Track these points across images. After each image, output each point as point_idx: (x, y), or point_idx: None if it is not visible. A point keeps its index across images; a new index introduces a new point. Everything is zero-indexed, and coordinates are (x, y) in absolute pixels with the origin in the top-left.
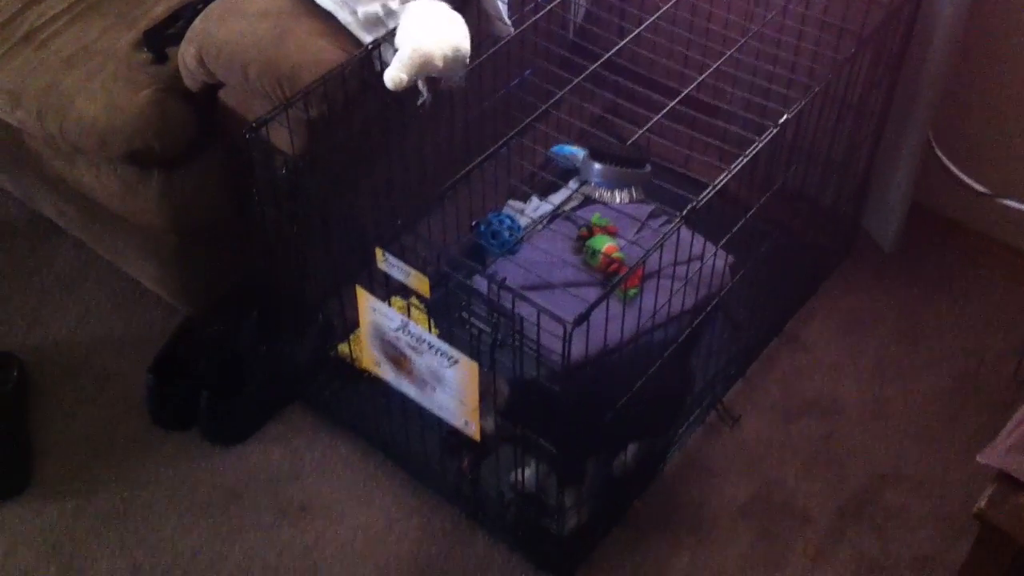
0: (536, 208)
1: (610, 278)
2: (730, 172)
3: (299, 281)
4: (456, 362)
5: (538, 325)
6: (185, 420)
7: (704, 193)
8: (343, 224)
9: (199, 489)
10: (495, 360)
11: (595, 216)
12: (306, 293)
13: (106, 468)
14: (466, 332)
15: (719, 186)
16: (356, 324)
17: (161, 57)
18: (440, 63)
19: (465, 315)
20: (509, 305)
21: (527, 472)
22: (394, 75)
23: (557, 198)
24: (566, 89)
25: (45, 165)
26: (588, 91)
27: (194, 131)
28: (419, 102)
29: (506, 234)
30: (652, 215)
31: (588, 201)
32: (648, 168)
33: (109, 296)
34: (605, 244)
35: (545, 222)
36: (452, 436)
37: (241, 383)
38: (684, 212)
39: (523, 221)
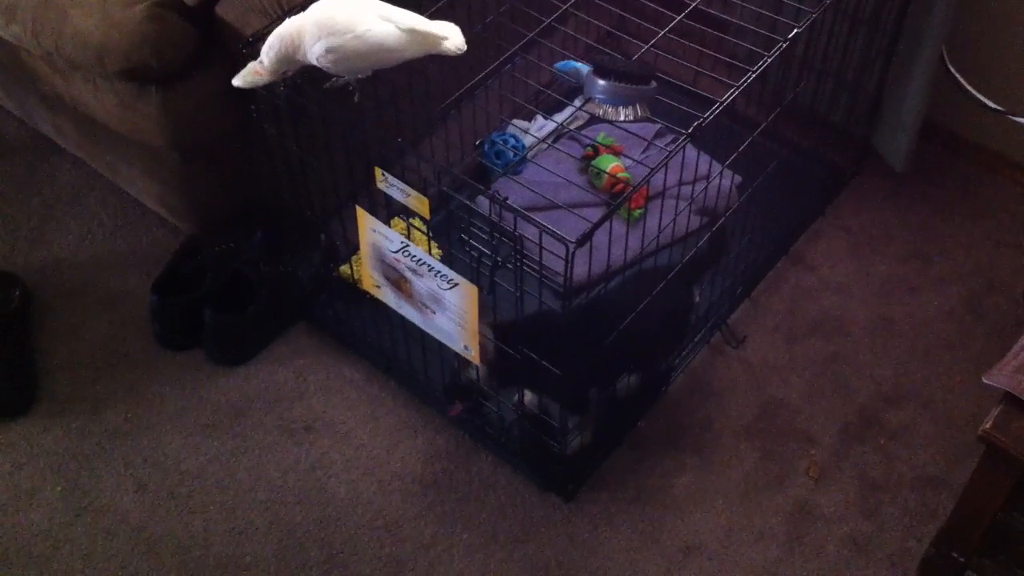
0: (541, 127)
1: (615, 198)
2: (738, 88)
3: (301, 200)
4: (455, 285)
5: (540, 245)
6: (189, 339)
7: (711, 110)
8: (344, 143)
9: (204, 408)
10: (495, 283)
11: (601, 135)
12: (309, 213)
13: (111, 387)
14: (467, 254)
15: (727, 103)
16: (359, 246)
17: None
18: (306, 54)
19: (465, 236)
20: (511, 226)
21: (529, 393)
22: (253, 65)
23: (562, 117)
24: (571, 1)
25: (43, 82)
26: (595, 5)
27: (192, 47)
28: (327, 85)
29: (510, 154)
30: (659, 134)
31: (594, 120)
32: (653, 85)
33: (111, 215)
34: (610, 164)
35: (550, 141)
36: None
37: (245, 302)
38: (690, 129)
39: (527, 140)
